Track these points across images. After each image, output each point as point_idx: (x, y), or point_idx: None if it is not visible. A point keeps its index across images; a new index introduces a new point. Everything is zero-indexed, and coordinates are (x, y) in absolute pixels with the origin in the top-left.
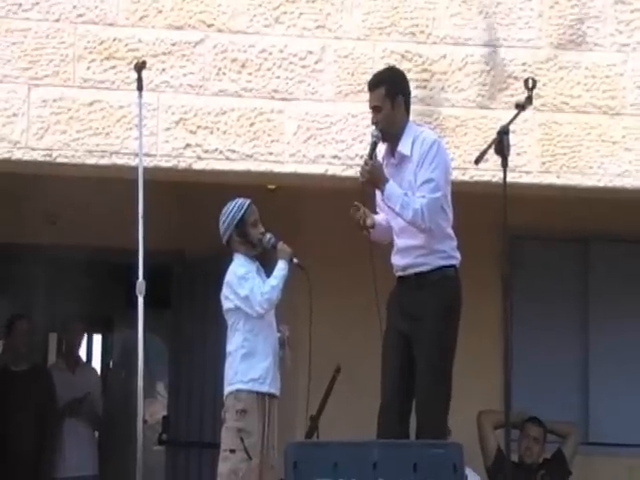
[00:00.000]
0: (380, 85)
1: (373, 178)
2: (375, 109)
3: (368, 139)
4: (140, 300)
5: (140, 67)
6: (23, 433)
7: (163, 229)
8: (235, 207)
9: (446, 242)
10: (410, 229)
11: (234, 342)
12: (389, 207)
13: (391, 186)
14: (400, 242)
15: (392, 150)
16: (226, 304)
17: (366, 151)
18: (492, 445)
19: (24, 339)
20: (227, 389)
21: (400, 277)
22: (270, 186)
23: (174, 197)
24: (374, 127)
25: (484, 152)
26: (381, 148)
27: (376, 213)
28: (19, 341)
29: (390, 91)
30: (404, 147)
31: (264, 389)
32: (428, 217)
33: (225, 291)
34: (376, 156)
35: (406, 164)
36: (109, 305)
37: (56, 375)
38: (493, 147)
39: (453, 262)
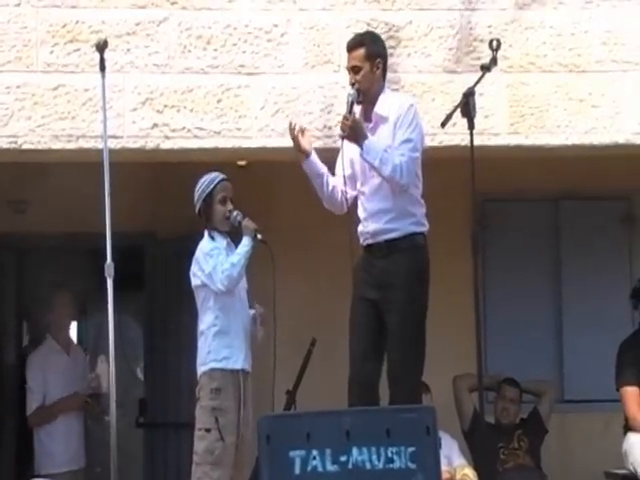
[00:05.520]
0: (360, 46)
1: (354, 132)
2: (354, 69)
3: (336, 109)
4: (109, 282)
5: (102, 47)
6: None
7: (134, 211)
8: (206, 181)
9: (417, 208)
10: (382, 192)
11: (205, 320)
12: (368, 162)
13: (371, 141)
14: (370, 206)
15: (366, 114)
16: (194, 281)
17: (343, 110)
18: (468, 408)
19: None
20: (201, 369)
21: (368, 245)
22: (240, 162)
23: (144, 179)
24: (350, 87)
25: (450, 115)
26: (356, 111)
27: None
28: None
29: (370, 53)
30: (381, 108)
31: (238, 366)
32: (406, 174)
33: (193, 267)
34: (354, 113)
35: (382, 126)
36: (82, 291)
37: (51, 357)
38: (459, 110)
39: (423, 229)
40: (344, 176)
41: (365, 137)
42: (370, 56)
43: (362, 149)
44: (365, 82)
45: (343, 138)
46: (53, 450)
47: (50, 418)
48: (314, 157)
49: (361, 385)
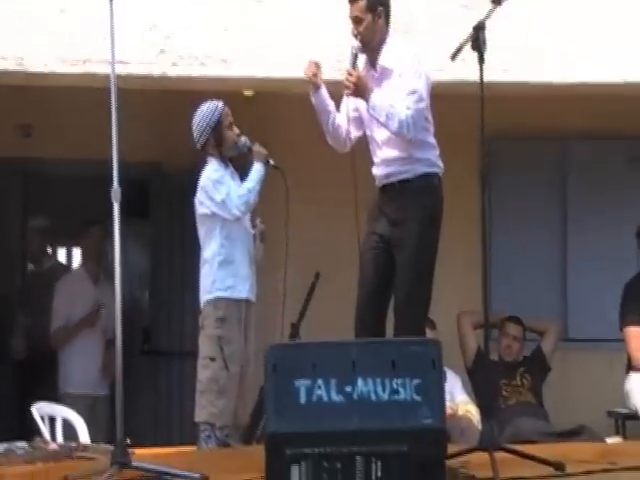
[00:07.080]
0: None
1: (359, 89)
2: (356, 20)
3: (344, 41)
4: (116, 207)
5: None
6: None
7: (140, 141)
8: (209, 110)
9: (429, 151)
10: (393, 141)
11: (210, 249)
12: (375, 118)
13: (376, 96)
14: (383, 154)
15: (372, 62)
16: (201, 209)
17: (347, 63)
18: (472, 345)
19: None
20: (205, 297)
21: (383, 186)
22: (247, 92)
23: (151, 110)
24: (354, 39)
25: (460, 47)
26: (361, 60)
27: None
28: None
29: (371, 3)
30: (386, 60)
31: (243, 296)
32: (413, 128)
33: (200, 196)
34: (358, 68)
35: (387, 77)
36: (88, 218)
37: (79, 283)
38: (470, 44)
39: (436, 170)
40: (348, 117)
41: (371, 91)
42: (371, 7)
43: (368, 104)
44: (368, 33)
45: (348, 95)
46: (71, 372)
47: (70, 337)
48: (324, 91)
49: (368, 318)
